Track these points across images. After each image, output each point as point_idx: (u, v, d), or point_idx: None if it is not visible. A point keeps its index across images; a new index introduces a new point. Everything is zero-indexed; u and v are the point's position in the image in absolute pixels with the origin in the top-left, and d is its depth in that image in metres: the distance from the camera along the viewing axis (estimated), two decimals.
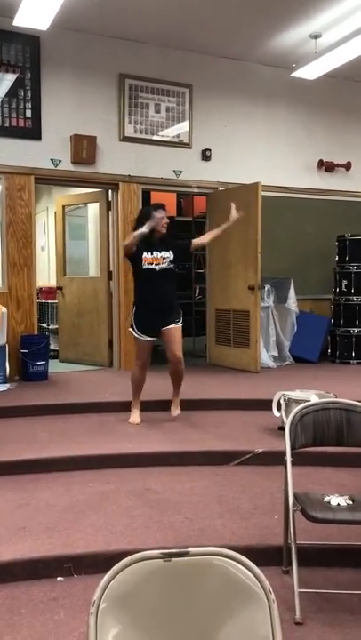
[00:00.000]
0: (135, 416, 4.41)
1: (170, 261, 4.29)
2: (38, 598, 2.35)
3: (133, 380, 4.43)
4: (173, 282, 4.38)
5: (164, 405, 4.57)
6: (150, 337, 4.32)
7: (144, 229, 4.16)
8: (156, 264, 4.25)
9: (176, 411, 4.49)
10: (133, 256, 4.30)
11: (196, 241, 4.66)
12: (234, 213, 4.55)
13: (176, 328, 4.30)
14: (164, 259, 4.27)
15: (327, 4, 5.45)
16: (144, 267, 4.25)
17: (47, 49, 5.90)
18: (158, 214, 4.21)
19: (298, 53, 6.38)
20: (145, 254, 4.24)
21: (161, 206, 4.36)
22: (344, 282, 6.96)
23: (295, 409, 2.54)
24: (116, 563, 1.41)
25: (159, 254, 4.26)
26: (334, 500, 2.35)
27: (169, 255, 4.28)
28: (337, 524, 2.47)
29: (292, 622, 2.15)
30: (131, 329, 4.39)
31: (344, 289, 6.96)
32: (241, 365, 6.29)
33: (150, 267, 4.25)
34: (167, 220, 4.32)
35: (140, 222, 4.28)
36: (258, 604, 1.29)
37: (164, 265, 4.27)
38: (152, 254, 4.25)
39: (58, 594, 2.38)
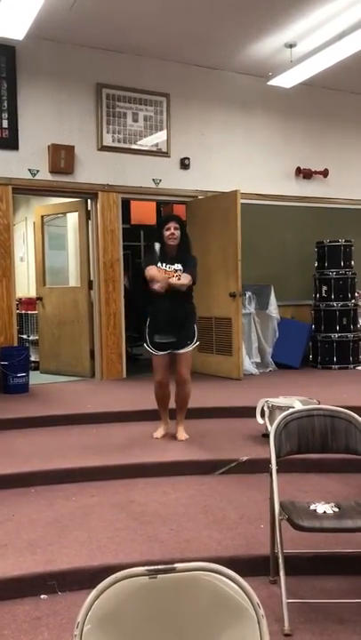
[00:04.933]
0: (159, 430, 4.28)
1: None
2: (21, 618, 2.28)
3: (155, 396, 4.30)
4: (187, 298, 4.18)
5: (145, 416, 4.52)
6: (164, 352, 4.15)
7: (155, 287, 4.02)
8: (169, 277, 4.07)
9: (183, 434, 4.22)
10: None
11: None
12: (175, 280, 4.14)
13: (188, 352, 4.17)
14: (176, 271, 4.09)
15: (301, 14, 5.50)
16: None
17: (23, 58, 5.87)
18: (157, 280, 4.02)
19: (274, 62, 6.43)
20: (158, 266, 4.09)
21: (171, 218, 4.23)
22: (324, 287, 7.00)
23: (279, 416, 2.53)
24: (100, 578, 1.37)
25: (172, 267, 4.10)
26: (320, 507, 2.34)
27: (181, 269, 4.10)
28: (323, 533, 2.45)
29: (281, 634, 2.13)
30: (145, 345, 4.24)
31: (324, 294, 7.00)
32: (224, 373, 6.28)
33: None
34: (173, 233, 4.09)
35: (155, 239, 4.20)
36: (247, 619, 1.26)
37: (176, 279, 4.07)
38: (165, 266, 4.09)
39: (42, 613, 2.32)
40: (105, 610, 1.26)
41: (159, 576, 1.30)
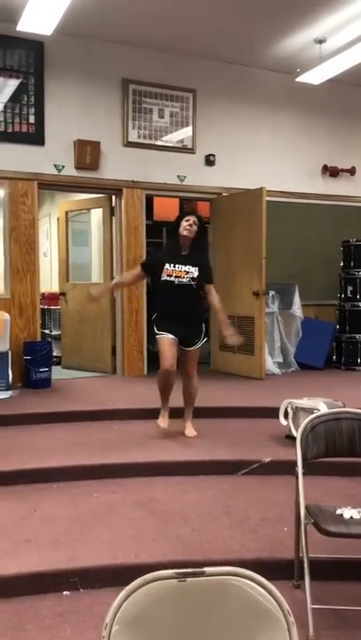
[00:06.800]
0: (162, 419, 4.19)
1: (192, 278, 4.00)
2: (44, 614, 2.29)
3: (158, 383, 4.19)
4: (194, 299, 4.07)
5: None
6: (172, 335, 4.01)
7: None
8: (176, 276, 4.01)
9: (191, 431, 4.21)
10: (155, 267, 4.12)
11: (211, 291, 4.16)
12: (231, 338, 4.19)
13: (195, 349, 4.14)
14: (187, 273, 4.00)
15: (332, 9, 5.42)
16: (162, 278, 4.03)
17: (51, 54, 5.88)
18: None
19: (302, 58, 6.35)
20: (167, 265, 4.02)
21: (193, 213, 4.19)
22: (349, 287, 6.91)
23: (306, 419, 2.48)
24: (123, 577, 1.36)
25: (183, 267, 4.01)
26: (347, 512, 2.30)
27: (193, 271, 4.01)
28: (349, 538, 2.41)
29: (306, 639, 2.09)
30: (155, 329, 4.14)
31: (349, 295, 6.90)
32: (245, 372, 6.24)
33: (169, 279, 4.01)
34: (191, 224, 4.03)
35: (173, 231, 4.20)
36: (277, 626, 1.23)
37: (185, 280, 4.00)
38: (174, 267, 4.02)
39: (64, 609, 2.32)
40: (134, 612, 1.24)
41: (188, 579, 1.28)
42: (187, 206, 8.06)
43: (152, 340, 7.56)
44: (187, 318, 4.06)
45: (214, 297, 4.16)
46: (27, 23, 4.98)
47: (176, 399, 4.32)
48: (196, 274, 4.04)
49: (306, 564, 2.23)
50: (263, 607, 1.25)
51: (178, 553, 2.60)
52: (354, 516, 2.28)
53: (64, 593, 2.43)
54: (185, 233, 4.04)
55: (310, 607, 2.15)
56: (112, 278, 6.54)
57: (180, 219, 4.14)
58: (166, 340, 4.02)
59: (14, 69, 5.76)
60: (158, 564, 2.19)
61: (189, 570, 1.29)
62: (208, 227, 6.95)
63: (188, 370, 4.16)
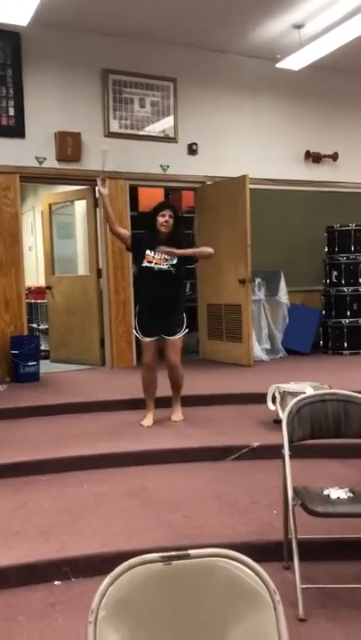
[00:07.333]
0: (146, 419, 4.24)
1: (172, 264, 4.09)
2: (36, 604, 2.29)
3: (142, 381, 4.30)
4: (175, 285, 4.15)
5: (156, 403, 4.49)
6: (151, 337, 4.19)
7: (102, 192, 4.16)
8: (155, 263, 4.09)
9: (178, 415, 4.31)
10: (135, 252, 4.20)
11: (204, 250, 4.33)
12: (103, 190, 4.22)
13: (177, 338, 4.18)
14: (166, 260, 4.08)
15: None
16: (143, 264, 4.12)
17: (28, 45, 5.81)
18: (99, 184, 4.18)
19: (282, 44, 6.33)
20: (148, 252, 4.10)
21: (166, 206, 4.22)
22: (334, 273, 6.94)
23: (292, 402, 2.50)
24: (114, 565, 1.36)
25: (162, 255, 4.09)
26: (334, 492, 2.32)
27: (171, 258, 4.09)
28: (337, 518, 2.44)
29: (296, 619, 2.12)
30: (134, 330, 4.33)
31: (334, 280, 6.94)
32: (234, 359, 6.26)
33: (149, 265, 4.09)
34: (167, 220, 4.08)
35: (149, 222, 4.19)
36: (263, 606, 1.24)
37: (164, 267, 4.08)
38: (155, 254, 4.09)
39: (56, 599, 2.33)
40: (119, 596, 1.25)
41: (173, 562, 1.29)
42: (172, 196, 8.05)
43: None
44: (167, 310, 4.12)
45: (205, 249, 4.37)
46: (1, 14, 4.90)
47: (164, 388, 4.35)
48: (174, 260, 4.09)
49: (295, 545, 2.25)
50: (249, 587, 1.26)
51: (168, 539, 2.62)
52: (341, 497, 2.30)
53: (55, 583, 2.44)
54: (162, 229, 4.11)
55: (300, 587, 2.18)
56: (98, 270, 6.52)
57: (155, 213, 4.15)
58: (146, 343, 4.20)
59: None
60: (149, 551, 2.16)
61: (174, 553, 1.30)
62: (193, 216, 7.00)
63: (172, 359, 4.19)
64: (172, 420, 4.27)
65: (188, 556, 1.30)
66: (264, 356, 6.50)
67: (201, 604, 1.26)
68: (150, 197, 8.33)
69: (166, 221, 4.08)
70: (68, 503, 3.07)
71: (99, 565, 2.45)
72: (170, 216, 4.09)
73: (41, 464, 3.53)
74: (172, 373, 4.24)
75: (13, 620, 2.19)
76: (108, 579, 1.26)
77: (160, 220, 4.08)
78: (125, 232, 4.41)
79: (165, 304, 4.12)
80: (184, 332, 4.23)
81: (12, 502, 3.09)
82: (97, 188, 4.11)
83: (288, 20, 5.89)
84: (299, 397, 2.51)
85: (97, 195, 4.15)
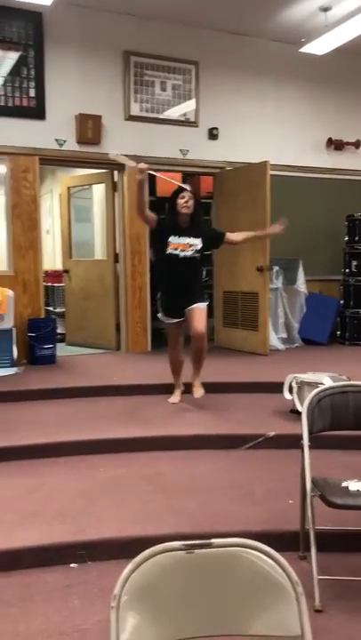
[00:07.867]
0: (174, 396, 4.41)
1: (196, 250, 4.08)
2: (52, 585, 2.31)
3: (170, 363, 4.41)
4: (197, 272, 4.22)
5: (170, 389, 4.51)
6: (175, 319, 4.21)
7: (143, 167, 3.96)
8: (181, 250, 4.07)
9: (199, 391, 4.28)
10: (159, 238, 4.19)
11: (230, 237, 4.29)
12: (277, 227, 4.43)
13: (199, 307, 4.14)
14: (190, 246, 4.07)
15: None
16: (167, 251, 4.08)
17: (50, 25, 5.76)
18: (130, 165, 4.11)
19: (307, 28, 6.20)
20: (172, 237, 4.07)
21: (185, 189, 4.17)
22: (354, 262, 6.86)
23: (312, 392, 2.48)
24: (130, 549, 1.36)
25: (187, 240, 4.06)
26: (353, 485, 2.30)
27: (197, 243, 4.08)
28: (355, 510, 2.42)
29: (312, 610, 2.11)
30: (158, 315, 4.35)
31: (354, 269, 6.86)
32: (250, 348, 6.23)
33: (174, 252, 4.07)
34: (187, 201, 4.06)
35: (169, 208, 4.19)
36: (286, 597, 1.23)
37: (189, 253, 4.07)
38: (179, 238, 4.06)
39: (72, 581, 2.35)
40: (142, 583, 1.25)
41: (196, 551, 1.28)
42: (190, 182, 7.98)
43: (157, 317, 7.60)
44: (188, 290, 4.15)
45: (237, 235, 4.34)
46: None
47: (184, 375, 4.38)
48: (199, 245, 4.10)
49: (312, 536, 2.24)
50: (271, 578, 1.26)
51: (184, 526, 2.62)
52: (360, 489, 2.28)
53: (71, 565, 2.45)
54: (184, 211, 4.08)
55: (316, 578, 2.17)
56: (115, 255, 6.51)
57: (175, 196, 4.13)
58: (171, 326, 4.24)
59: (13, 42, 5.64)
60: (165, 537, 2.20)
61: (197, 542, 1.30)
62: (211, 202, 6.93)
63: (198, 328, 4.08)
64: (194, 397, 4.27)
65: (210, 545, 1.29)
66: (280, 345, 6.46)
67: (223, 594, 1.26)
68: (167, 183, 8.26)
69: (186, 202, 4.07)
70: (83, 486, 3.08)
71: (115, 549, 2.47)
72: (190, 197, 4.09)
73: (57, 447, 3.55)
74: (198, 344, 4.16)
75: (31, 601, 2.21)
76: (130, 565, 1.26)
77: (180, 202, 4.07)
78: (153, 215, 4.34)
79: (186, 288, 4.15)
80: (207, 302, 4.29)
81: (28, 484, 3.11)
82: (138, 166, 3.98)
83: (315, 2, 5.77)
84: (320, 388, 2.49)
85: (138, 176, 4.06)
